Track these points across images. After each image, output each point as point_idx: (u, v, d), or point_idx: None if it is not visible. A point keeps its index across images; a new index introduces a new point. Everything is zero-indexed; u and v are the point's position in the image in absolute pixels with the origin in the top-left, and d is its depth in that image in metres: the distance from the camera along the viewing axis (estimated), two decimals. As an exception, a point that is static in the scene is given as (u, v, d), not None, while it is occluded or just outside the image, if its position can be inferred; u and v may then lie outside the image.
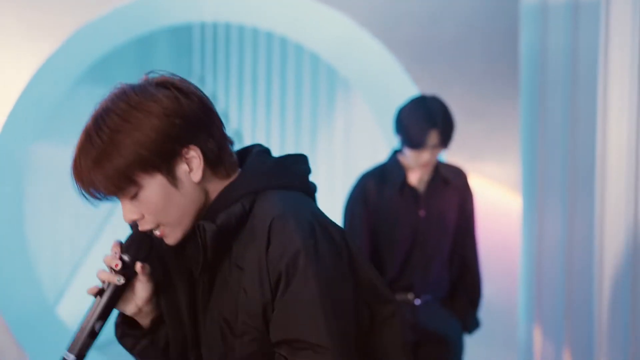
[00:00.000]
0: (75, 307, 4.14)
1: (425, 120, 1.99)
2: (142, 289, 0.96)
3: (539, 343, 2.84)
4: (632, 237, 2.59)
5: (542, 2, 2.77)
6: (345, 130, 4.52)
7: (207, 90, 5.62)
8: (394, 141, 3.15)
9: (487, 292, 2.65)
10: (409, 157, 2.08)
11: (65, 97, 3.72)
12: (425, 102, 2.06)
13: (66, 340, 3.52)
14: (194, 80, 6.03)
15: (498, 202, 2.84)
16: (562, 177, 2.77)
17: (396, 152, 2.17)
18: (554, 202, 2.79)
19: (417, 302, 2.12)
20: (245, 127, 5.26)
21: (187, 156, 0.91)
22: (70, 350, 0.95)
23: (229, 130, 5.15)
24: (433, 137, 2.00)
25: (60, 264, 4.17)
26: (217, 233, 0.91)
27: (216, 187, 0.95)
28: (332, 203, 3.48)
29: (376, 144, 4.17)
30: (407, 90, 2.77)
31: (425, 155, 2.03)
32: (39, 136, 3.29)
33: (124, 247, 0.95)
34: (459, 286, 2.22)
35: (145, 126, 0.88)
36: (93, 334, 0.95)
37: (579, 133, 2.73)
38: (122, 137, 0.87)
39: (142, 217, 0.92)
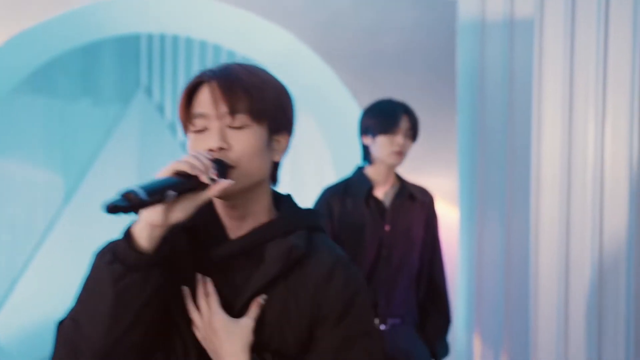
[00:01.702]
0: (11, 323, 3.97)
1: (396, 105, 2.11)
2: (182, 209, 0.90)
3: (478, 351, 2.92)
4: (565, 246, 2.71)
5: (479, 17, 2.86)
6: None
7: (154, 102, 5.54)
8: (338, 151, 3.19)
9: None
10: (381, 146, 2.07)
11: (2, 105, 3.60)
12: (387, 99, 2.17)
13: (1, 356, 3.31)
14: (141, 91, 5.90)
15: (439, 215, 2.91)
16: (499, 189, 2.86)
17: (360, 168, 2.16)
18: (492, 214, 2.88)
19: (383, 327, 2.06)
20: (191, 139, 5.20)
21: (282, 138, 1.01)
22: (140, 187, 0.84)
23: (176, 142, 5.01)
24: (405, 121, 2.08)
25: (-4, 279, 4.00)
26: (299, 250, 0.97)
27: (267, 189, 1.02)
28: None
29: (321, 157, 4.21)
30: (347, 104, 2.82)
31: (398, 139, 2.06)
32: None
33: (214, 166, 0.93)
34: (432, 311, 2.17)
35: (287, 94, 1.03)
36: (160, 197, 0.85)
37: (516, 146, 2.83)
38: (279, 86, 1.02)
39: (228, 149, 0.95)
